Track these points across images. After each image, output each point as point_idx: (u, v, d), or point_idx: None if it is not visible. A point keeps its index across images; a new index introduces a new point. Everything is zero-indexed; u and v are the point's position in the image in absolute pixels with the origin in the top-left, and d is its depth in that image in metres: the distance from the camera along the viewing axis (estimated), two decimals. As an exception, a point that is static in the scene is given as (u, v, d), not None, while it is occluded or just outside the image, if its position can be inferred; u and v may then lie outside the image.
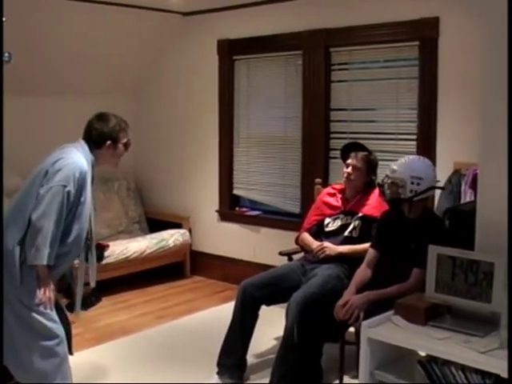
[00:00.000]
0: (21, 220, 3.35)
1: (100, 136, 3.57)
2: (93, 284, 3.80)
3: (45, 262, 3.29)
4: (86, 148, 3.55)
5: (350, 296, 3.75)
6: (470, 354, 2.79)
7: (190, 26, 6.77)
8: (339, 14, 5.62)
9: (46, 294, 3.37)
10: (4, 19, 4.06)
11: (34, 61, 5.55)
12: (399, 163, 3.76)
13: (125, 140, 3.65)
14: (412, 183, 3.68)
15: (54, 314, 3.44)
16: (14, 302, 3.35)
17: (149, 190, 7.51)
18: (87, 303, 5.72)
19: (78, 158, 3.43)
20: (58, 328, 3.45)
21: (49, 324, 3.40)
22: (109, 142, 3.57)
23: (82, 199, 3.44)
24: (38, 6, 5.51)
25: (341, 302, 3.73)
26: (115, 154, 3.65)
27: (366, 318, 3.32)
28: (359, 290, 3.80)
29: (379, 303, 3.52)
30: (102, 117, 3.63)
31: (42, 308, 3.37)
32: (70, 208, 3.38)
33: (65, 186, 3.31)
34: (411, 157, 3.90)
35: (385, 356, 3.13)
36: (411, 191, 3.69)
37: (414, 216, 3.80)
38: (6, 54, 4.07)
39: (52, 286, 3.42)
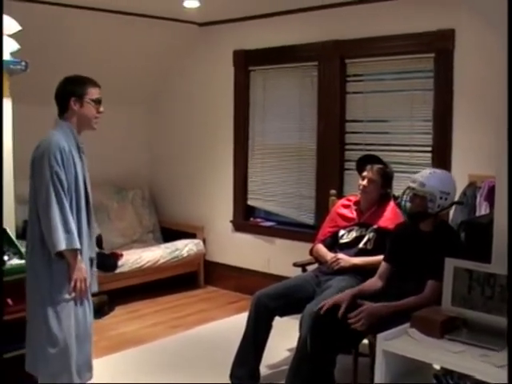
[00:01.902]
0: (37, 217, 3.39)
1: (64, 96, 3.48)
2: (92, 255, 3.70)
3: (63, 247, 3.31)
4: (61, 121, 3.49)
5: (347, 296, 3.77)
6: (487, 368, 2.76)
7: (205, 36, 6.79)
8: (355, 25, 5.63)
9: (77, 285, 3.40)
10: (20, 28, 4.11)
11: (47, 70, 5.56)
12: (426, 176, 3.71)
13: (94, 96, 3.51)
14: (441, 198, 3.66)
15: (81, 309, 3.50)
16: (45, 298, 3.39)
17: (163, 200, 7.52)
18: (101, 312, 5.79)
19: (52, 137, 3.38)
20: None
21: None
22: (73, 99, 3.46)
23: (71, 174, 3.40)
24: (51, 15, 5.55)
25: (336, 298, 3.79)
26: (85, 113, 3.49)
27: (380, 330, 3.29)
28: (365, 299, 3.78)
29: (395, 315, 3.50)
30: (64, 79, 3.55)
31: (72, 301, 3.42)
32: (68, 186, 3.37)
33: (51, 169, 3.30)
34: (437, 170, 3.85)
35: (400, 369, 3.10)
36: (439, 206, 3.67)
37: (429, 229, 3.79)
38: (23, 63, 4.11)
39: (84, 276, 3.44)
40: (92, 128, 3.58)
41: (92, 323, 3.66)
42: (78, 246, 3.37)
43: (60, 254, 3.36)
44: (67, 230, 3.33)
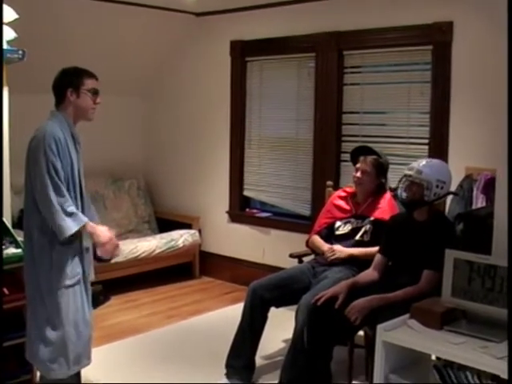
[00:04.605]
0: (33, 205, 3.39)
1: (60, 87, 3.48)
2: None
3: (73, 230, 3.33)
4: (57, 112, 3.49)
5: (343, 287, 3.78)
6: (487, 360, 2.77)
7: (203, 26, 6.77)
8: (353, 16, 5.62)
9: (106, 248, 3.47)
10: (17, 16, 4.08)
11: (44, 59, 5.55)
12: (423, 164, 3.72)
13: (89, 87, 3.49)
14: (437, 186, 3.67)
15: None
16: (44, 285, 3.40)
17: (159, 190, 7.52)
18: (96, 302, 5.79)
19: (46, 128, 3.37)
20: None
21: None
22: (70, 90, 3.45)
23: (66, 164, 3.40)
24: (49, 4, 5.52)
25: (333, 290, 3.79)
26: (82, 104, 3.48)
27: (375, 321, 3.29)
28: (361, 290, 3.79)
29: (391, 306, 3.50)
30: (61, 70, 3.54)
31: (71, 288, 3.44)
32: (64, 175, 3.37)
33: (47, 159, 3.29)
34: (434, 160, 3.88)
35: (399, 360, 3.11)
36: (435, 194, 3.68)
37: (424, 218, 3.80)
38: (20, 52, 4.08)
39: (108, 236, 3.48)
40: (88, 119, 3.58)
41: (91, 311, 3.67)
42: (84, 220, 3.40)
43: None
44: (70, 213, 3.33)
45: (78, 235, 3.43)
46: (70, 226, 3.32)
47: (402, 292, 3.62)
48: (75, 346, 3.48)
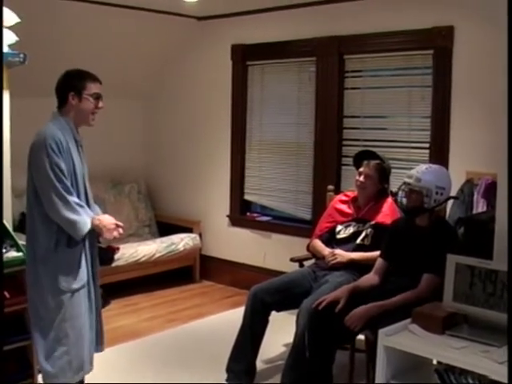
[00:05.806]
0: (36, 207, 3.39)
1: (62, 90, 3.47)
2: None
3: (88, 228, 3.36)
4: (58, 115, 3.48)
5: (344, 291, 3.78)
6: (488, 364, 2.76)
7: (204, 30, 6.78)
8: (353, 21, 5.62)
9: (111, 233, 3.47)
10: (19, 20, 4.09)
11: (45, 63, 5.56)
12: (422, 171, 3.72)
13: (92, 91, 3.48)
14: (436, 193, 3.67)
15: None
16: (48, 288, 3.39)
17: (159, 194, 7.52)
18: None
19: (46, 130, 3.36)
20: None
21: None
22: (72, 93, 3.43)
23: (68, 167, 3.39)
24: (50, 8, 5.52)
25: (334, 294, 3.80)
26: (83, 107, 3.47)
27: (376, 326, 3.29)
28: (361, 294, 3.78)
29: (390, 312, 3.50)
30: (65, 73, 3.53)
31: (76, 292, 3.44)
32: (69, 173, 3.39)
33: (50, 160, 3.28)
34: (432, 166, 3.88)
35: (401, 364, 3.11)
36: (435, 201, 3.68)
37: (425, 224, 3.79)
38: (21, 55, 4.09)
39: (111, 223, 3.50)
40: (88, 124, 3.55)
41: (100, 313, 3.72)
42: (91, 214, 3.45)
43: None
44: (79, 212, 3.35)
45: (84, 237, 3.44)
46: (87, 222, 3.36)
47: (401, 297, 3.62)
48: (78, 351, 3.46)
